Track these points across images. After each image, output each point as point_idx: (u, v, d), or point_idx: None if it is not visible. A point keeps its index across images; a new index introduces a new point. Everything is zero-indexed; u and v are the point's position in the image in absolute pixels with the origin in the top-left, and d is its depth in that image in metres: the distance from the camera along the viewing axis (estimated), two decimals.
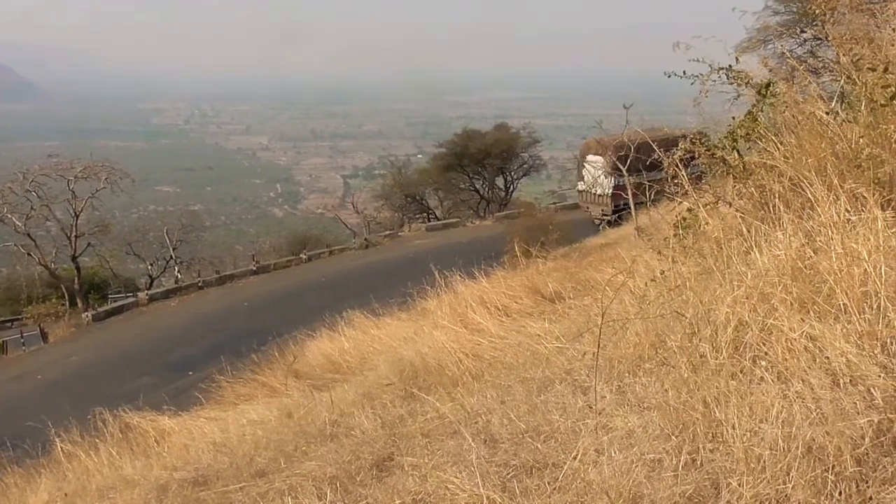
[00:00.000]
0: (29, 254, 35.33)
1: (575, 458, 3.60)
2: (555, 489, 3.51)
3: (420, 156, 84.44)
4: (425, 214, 49.20)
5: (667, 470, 3.23)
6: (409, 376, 7.21)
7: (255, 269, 35.99)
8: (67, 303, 34.67)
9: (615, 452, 3.52)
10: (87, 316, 31.24)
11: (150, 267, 42.52)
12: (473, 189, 49.48)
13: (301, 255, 37.80)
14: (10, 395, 22.49)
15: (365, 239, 39.85)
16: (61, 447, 9.46)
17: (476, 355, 7.14)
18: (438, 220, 46.60)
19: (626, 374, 4.48)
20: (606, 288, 5.20)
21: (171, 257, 41.49)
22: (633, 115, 23.31)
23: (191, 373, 18.62)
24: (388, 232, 42.24)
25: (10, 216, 34.57)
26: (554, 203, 43.57)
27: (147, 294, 33.81)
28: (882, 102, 4.57)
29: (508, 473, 3.89)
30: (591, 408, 4.17)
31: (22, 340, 31.54)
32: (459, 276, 11.00)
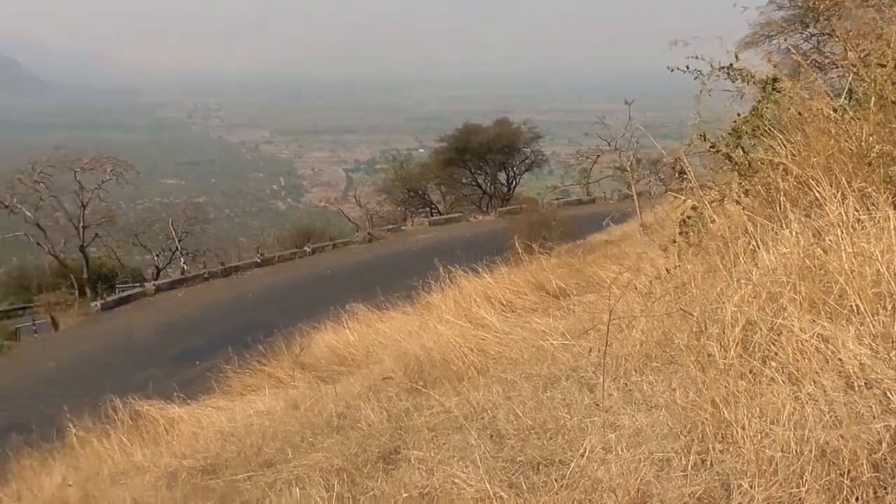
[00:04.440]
0: (38, 243, 35.78)
1: (582, 456, 3.60)
2: (562, 486, 3.51)
3: (421, 150, 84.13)
4: (428, 209, 49.15)
5: (675, 470, 3.23)
6: (415, 370, 7.19)
7: (259, 261, 36.09)
8: (76, 292, 34.88)
9: (622, 450, 3.52)
10: (95, 305, 31.52)
11: (156, 258, 42.59)
12: (475, 184, 49.39)
13: (305, 248, 37.87)
14: (23, 382, 22.70)
15: (368, 233, 39.87)
16: (75, 433, 9.51)
17: (481, 350, 7.12)
18: (441, 214, 46.55)
19: (633, 372, 4.47)
20: (612, 285, 5.19)
21: (177, 249, 41.54)
22: (635, 110, 23.33)
23: (198, 362, 18.67)
24: (390, 226, 42.21)
25: (19, 206, 34.99)
26: (557, 199, 43.49)
27: (154, 284, 34.00)
28: (892, 99, 4.55)
29: (515, 469, 3.89)
30: (597, 405, 4.17)
31: (34, 328, 31.94)
32: (463, 270, 10.97)
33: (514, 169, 49.95)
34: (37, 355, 26.15)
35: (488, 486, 3.67)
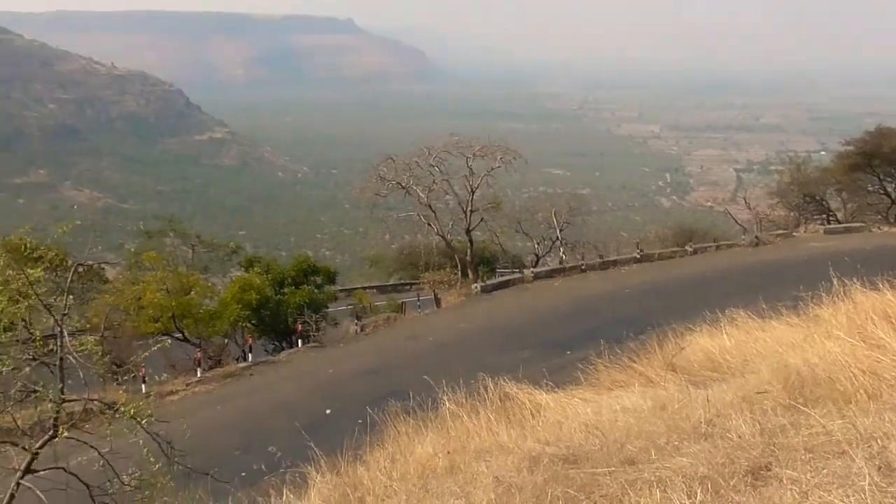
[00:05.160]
0: (429, 224, 38.54)
1: None
2: None
3: (823, 153, 79.03)
4: (824, 216, 46.01)
5: None
6: (795, 386, 6.77)
7: (638, 257, 36.07)
8: (459, 273, 37.31)
9: None
10: (476, 287, 33.51)
11: (536, 246, 44.40)
12: (883, 192, 45.18)
13: (686, 248, 37.23)
14: (405, 352, 24.94)
15: (755, 236, 38.18)
16: (447, 406, 10.11)
17: (874, 373, 6.51)
18: (839, 222, 43.27)
19: None
20: None
21: (557, 238, 42.87)
22: None
23: (568, 352, 19.03)
24: (780, 231, 40.12)
25: (414, 188, 37.95)
26: None
27: (532, 272, 35.36)
28: None
29: None
30: None
31: (418, 303, 35.08)
32: (860, 284, 10.09)
33: None
34: (419, 329, 28.49)
35: None
